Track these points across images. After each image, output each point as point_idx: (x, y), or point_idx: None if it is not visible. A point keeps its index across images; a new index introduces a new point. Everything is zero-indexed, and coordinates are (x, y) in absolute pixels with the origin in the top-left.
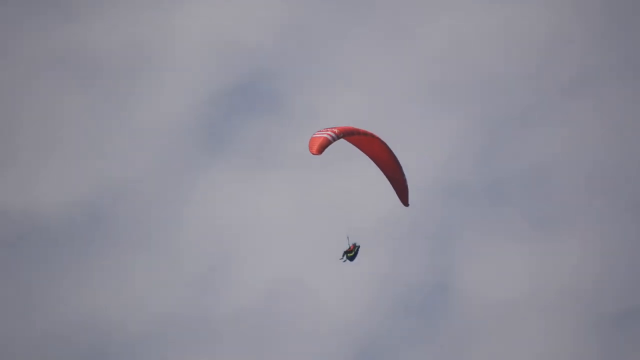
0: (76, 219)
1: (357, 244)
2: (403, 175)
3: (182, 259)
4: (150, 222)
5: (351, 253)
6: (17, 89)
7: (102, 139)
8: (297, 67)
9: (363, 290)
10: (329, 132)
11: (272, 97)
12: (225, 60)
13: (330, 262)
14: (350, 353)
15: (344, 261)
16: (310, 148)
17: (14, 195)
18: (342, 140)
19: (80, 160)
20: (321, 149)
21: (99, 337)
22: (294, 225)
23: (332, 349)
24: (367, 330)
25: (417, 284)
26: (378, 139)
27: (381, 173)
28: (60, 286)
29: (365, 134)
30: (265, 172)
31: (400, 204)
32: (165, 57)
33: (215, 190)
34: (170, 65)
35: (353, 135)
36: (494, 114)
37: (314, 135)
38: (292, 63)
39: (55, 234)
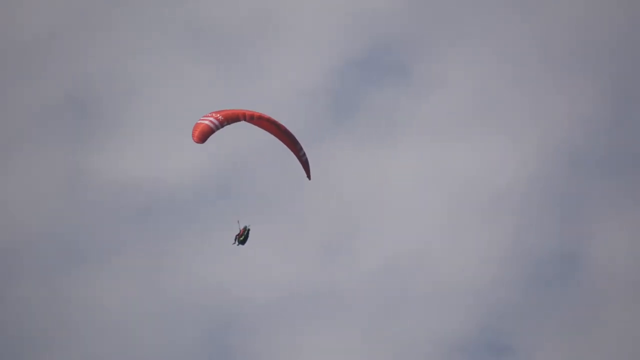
0: (205, 190)
1: (247, 227)
2: (301, 150)
3: (310, 228)
4: (277, 192)
5: (242, 237)
6: (148, 57)
7: (233, 107)
8: (425, 35)
9: (490, 260)
10: (212, 119)
11: (399, 66)
12: (354, 29)
13: (458, 232)
14: (476, 323)
15: (237, 245)
16: (192, 135)
17: (146, 165)
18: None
19: None
20: (203, 137)
21: (227, 306)
22: (420, 194)
23: (459, 318)
24: (494, 301)
25: (545, 254)
26: (269, 118)
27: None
28: (189, 256)
29: (252, 116)
30: (392, 141)
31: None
32: (294, 26)
33: (341, 159)
34: (299, 35)
35: (239, 120)
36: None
37: (198, 121)
38: (420, 31)
39: (184, 205)
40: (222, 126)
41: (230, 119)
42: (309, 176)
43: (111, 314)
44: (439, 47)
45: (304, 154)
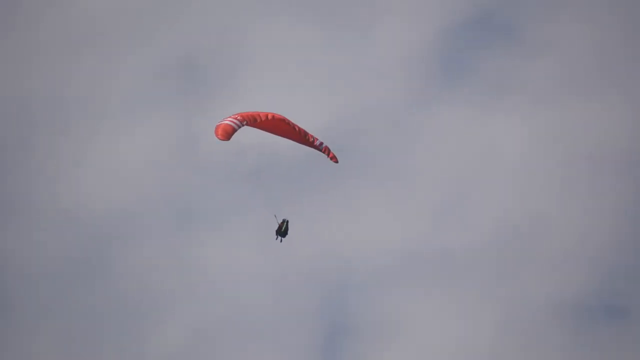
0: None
1: (285, 219)
2: (318, 140)
3: (420, 191)
4: (385, 155)
5: (282, 230)
6: (260, 21)
7: (342, 71)
8: None
9: (605, 222)
10: (233, 119)
11: (507, 29)
12: None
13: (571, 195)
14: (591, 285)
15: (280, 241)
16: (215, 133)
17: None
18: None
19: (321, 91)
20: (227, 135)
21: (340, 270)
22: (530, 158)
23: (573, 280)
24: (609, 262)
25: None
26: (284, 119)
27: None
28: (304, 219)
29: (271, 117)
30: (503, 104)
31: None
32: None
33: (451, 123)
34: None
35: (257, 122)
36: None
37: (220, 122)
38: None
39: (295, 168)
40: (242, 125)
41: (249, 120)
42: (336, 160)
43: (226, 276)
44: (549, 9)
45: (322, 142)
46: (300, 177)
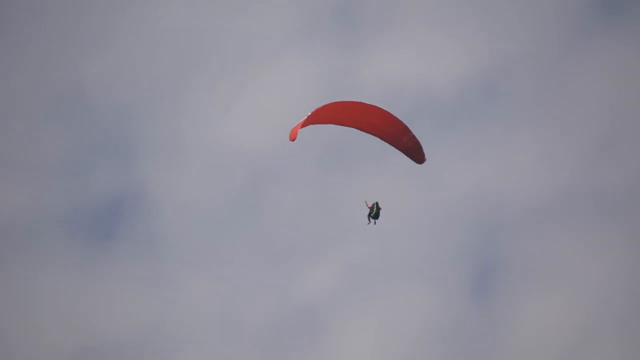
0: (469, 93)
1: (375, 202)
2: (410, 132)
3: (572, 131)
4: (537, 94)
5: (373, 213)
6: None
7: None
8: None
9: None
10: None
11: None
12: None
13: None
14: None
15: (374, 224)
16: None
17: (412, 70)
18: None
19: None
20: (294, 135)
21: (487, 211)
22: None
23: None
24: None
25: None
26: (372, 106)
27: None
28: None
29: (354, 105)
30: None
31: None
32: None
33: (609, 57)
34: None
35: (330, 117)
36: None
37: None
38: None
39: (449, 108)
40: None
41: (319, 117)
42: (422, 160)
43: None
44: None
45: (413, 136)
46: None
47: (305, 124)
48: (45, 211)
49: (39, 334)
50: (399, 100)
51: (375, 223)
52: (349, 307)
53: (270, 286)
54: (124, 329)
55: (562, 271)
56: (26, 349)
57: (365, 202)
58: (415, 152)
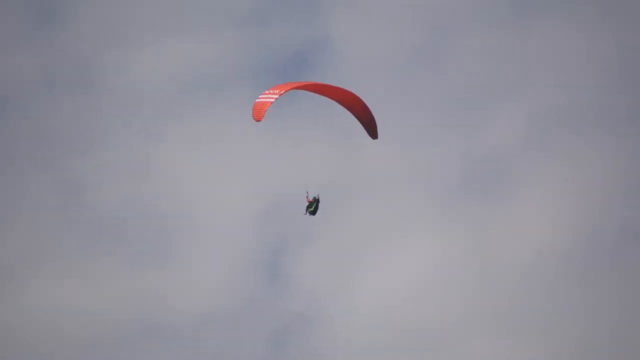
0: None
1: (316, 197)
2: (368, 109)
3: None
4: None
5: (311, 207)
6: None
7: None
8: None
9: None
10: (270, 96)
11: None
12: None
13: None
14: None
15: (308, 215)
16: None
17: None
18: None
19: None
20: (259, 115)
21: None
22: None
23: None
24: None
25: None
26: (333, 86)
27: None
28: None
29: (322, 87)
30: None
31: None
32: None
33: None
34: None
35: (306, 87)
36: None
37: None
38: None
39: None
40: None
41: (293, 87)
42: (375, 135)
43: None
44: None
45: (369, 112)
46: None
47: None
48: (232, 63)
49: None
50: None
51: (308, 215)
52: (534, 155)
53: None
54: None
55: None
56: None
57: (307, 194)
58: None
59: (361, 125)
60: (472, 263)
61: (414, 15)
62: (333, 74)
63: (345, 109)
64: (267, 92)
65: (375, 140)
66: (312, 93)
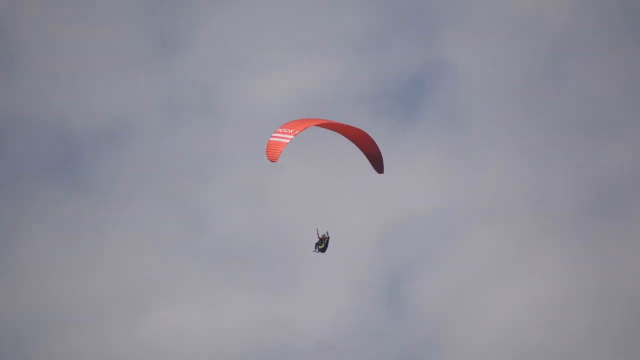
0: None
1: (327, 235)
2: (375, 145)
3: None
4: None
5: (322, 245)
6: None
7: None
8: None
9: None
10: (285, 136)
11: None
12: None
13: None
14: None
15: (317, 252)
16: (267, 155)
17: None
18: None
19: None
20: (276, 155)
21: None
22: None
23: None
24: None
25: None
26: (346, 126)
27: None
28: None
29: (332, 124)
30: None
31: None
32: None
33: None
34: None
35: (319, 125)
36: None
37: (270, 139)
38: None
39: None
40: (294, 136)
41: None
42: (381, 170)
43: None
44: None
45: (377, 148)
46: None
47: (283, 139)
48: (350, 88)
49: None
50: None
51: (317, 252)
52: None
53: None
54: None
55: None
56: None
57: (317, 231)
58: (379, 161)
59: (369, 161)
60: (600, 290)
61: (530, 38)
62: (452, 97)
63: (354, 145)
64: (279, 129)
65: (381, 174)
66: (326, 130)
